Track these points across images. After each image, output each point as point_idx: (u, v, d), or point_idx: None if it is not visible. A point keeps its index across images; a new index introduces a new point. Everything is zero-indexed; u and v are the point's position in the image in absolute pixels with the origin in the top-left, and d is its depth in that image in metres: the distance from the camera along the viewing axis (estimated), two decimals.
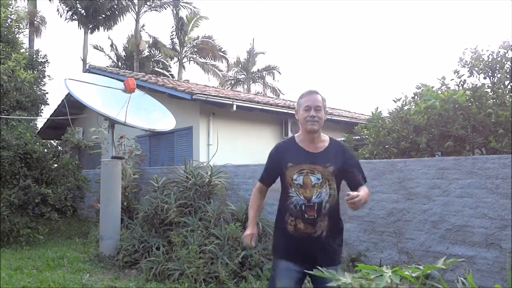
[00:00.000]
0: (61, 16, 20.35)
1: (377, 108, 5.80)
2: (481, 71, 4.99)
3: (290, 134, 9.25)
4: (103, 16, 20.30)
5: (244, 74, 28.15)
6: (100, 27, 20.59)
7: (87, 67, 14.04)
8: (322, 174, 2.35)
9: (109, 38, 25.22)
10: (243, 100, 8.98)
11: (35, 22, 19.80)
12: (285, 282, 2.38)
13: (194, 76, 64.33)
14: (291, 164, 2.39)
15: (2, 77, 8.12)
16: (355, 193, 2.21)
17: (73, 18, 20.13)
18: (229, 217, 5.50)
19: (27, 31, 16.74)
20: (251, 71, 28.01)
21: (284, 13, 58.26)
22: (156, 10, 22.13)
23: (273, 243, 2.59)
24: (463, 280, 1.80)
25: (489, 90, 4.84)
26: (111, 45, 24.43)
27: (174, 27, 23.42)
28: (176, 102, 8.85)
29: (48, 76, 10.69)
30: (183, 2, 22.51)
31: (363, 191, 2.34)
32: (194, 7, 22.61)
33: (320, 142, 2.45)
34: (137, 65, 21.50)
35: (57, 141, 10.22)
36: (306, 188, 2.34)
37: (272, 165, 2.53)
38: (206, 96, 8.27)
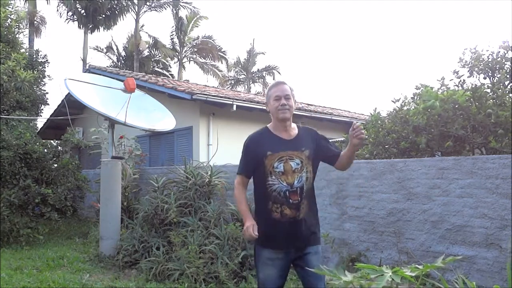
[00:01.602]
0: (60, 16, 20.37)
1: (376, 108, 5.81)
2: (481, 71, 4.99)
3: None
4: (103, 16, 20.30)
5: (244, 74, 28.17)
6: (100, 27, 20.58)
7: (87, 67, 14.05)
8: (300, 159, 2.45)
9: (112, 39, 25.14)
10: (243, 100, 8.99)
11: (35, 22, 19.81)
12: (270, 271, 2.44)
13: (194, 76, 64.42)
14: (270, 153, 2.45)
15: (2, 77, 8.12)
16: (357, 123, 2.40)
17: (73, 18, 20.14)
18: (229, 217, 5.50)
19: (27, 31, 16.75)
20: (251, 71, 28.02)
21: (284, 13, 58.30)
22: (156, 10, 22.14)
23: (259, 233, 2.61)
24: (464, 280, 1.80)
25: (489, 90, 4.85)
26: (111, 45, 24.43)
27: (174, 27, 23.44)
28: (176, 102, 8.85)
29: (48, 76, 10.68)
30: (182, 2, 22.53)
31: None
32: (194, 7, 22.65)
33: (292, 130, 2.56)
34: (137, 65, 21.50)
35: (57, 141, 10.21)
36: (288, 174, 2.41)
37: (250, 155, 2.56)
38: (206, 96, 8.28)
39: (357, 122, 2.48)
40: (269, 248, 2.47)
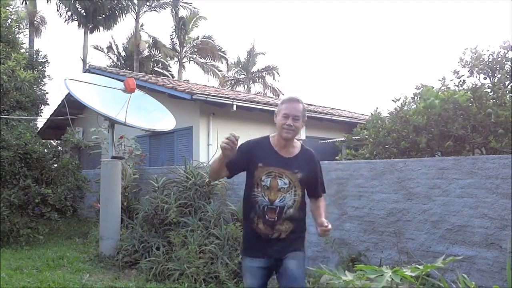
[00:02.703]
0: (60, 15, 20.37)
1: (377, 108, 5.81)
2: (481, 71, 5.00)
3: None
4: (103, 16, 20.30)
5: (244, 74, 28.18)
6: (100, 27, 20.58)
7: (87, 67, 14.04)
8: (290, 180, 2.39)
9: (112, 39, 25.13)
10: (243, 100, 8.99)
11: (35, 22, 19.82)
12: (250, 280, 2.44)
13: (194, 76, 64.42)
14: (261, 165, 2.40)
15: (2, 77, 8.12)
16: (326, 222, 2.36)
17: (73, 18, 20.13)
18: (229, 217, 5.50)
19: (27, 31, 16.74)
20: (251, 71, 28.02)
21: (284, 14, 58.31)
22: (156, 10, 22.16)
23: (242, 241, 2.64)
24: (464, 280, 1.80)
25: (489, 90, 4.85)
26: (111, 45, 24.43)
27: (174, 27, 23.43)
28: (176, 102, 8.85)
29: (48, 76, 10.70)
30: (182, 2, 22.54)
31: (323, 211, 2.52)
32: (194, 7, 22.66)
33: (292, 148, 2.48)
34: (137, 65, 21.51)
35: (57, 141, 10.21)
36: (272, 191, 2.38)
37: (241, 157, 2.43)
38: (206, 96, 8.27)
39: (325, 224, 2.36)
40: (248, 257, 2.48)
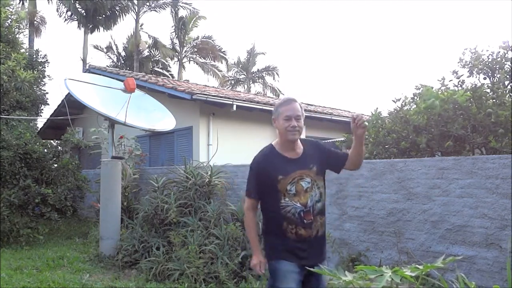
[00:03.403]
0: (60, 15, 20.36)
1: (377, 108, 5.81)
2: (480, 71, 5.00)
3: None
4: (103, 16, 20.30)
5: (244, 74, 28.18)
6: (100, 27, 20.58)
7: (87, 67, 14.04)
8: (310, 177, 2.42)
9: (112, 39, 25.17)
10: (243, 100, 8.98)
11: (35, 22, 19.80)
12: (290, 283, 2.35)
13: (194, 76, 64.42)
14: (282, 177, 2.40)
15: (2, 77, 8.13)
16: (355, 114, 2.38)
17: (73, 18, 20.13)
18: (229, 217, 5.50)
19: (27, 31, 16.74)
20: (251, 71, 28.02)
21: (284, 14, 58.30)
22: (156, 11, 22.15)
23: (269, 247, 2.51)
24: (464, 280, 1.80)
25: (488, 90, 4.85)
26: (111, 45, 24.43)
27: (174, 27, 23.43)
28: (176, 102, 8.85)
29: (48, 76, 10.70)
30: (182, 3, 22.54)
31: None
32: (193, 8, 22.66)
33: (298, 148, 2.50)
34: (137, 65, 21.50)
35: (57, 141, 10.22)
36: (300, 195, 2.38)
37: (259, 179, 2.49)
38: (206, 96, 8.27)
39: (354, 113, 2.44)
40: (287, 260, 2.40)
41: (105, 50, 24.19)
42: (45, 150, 8.04)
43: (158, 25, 55.06)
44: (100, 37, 78.29)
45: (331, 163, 2.55)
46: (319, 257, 2.44)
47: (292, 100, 2.48)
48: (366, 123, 2.42)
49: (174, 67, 25.30)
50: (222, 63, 25.89)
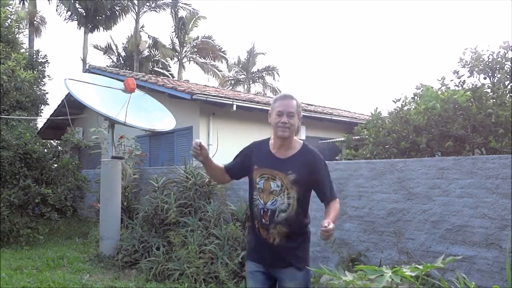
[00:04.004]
0: (60, 15, 20.37)
1: (377, 108, 5.82)
2: (481, 71, 5.00)
3: None
4: (103, 16, 20.30)
5: (244, 74, 28.18)
6: (100, 27, 20.59)
7: (87, 67, 14.04)
8: (282, 182, 2.27)
9: (112, 39, 25.16)
10: (243, 100, 8.99)
11: (35, 22, 19.81)
12: (251, 284, 2.39)
13: (194, 76, 64.42)
14: (256, 167, 2.35)
15: (2, 77, 8.12)
16: (327, 222, 2.06)
17: (73, 18, 20.13)
18: (229, 217, 5.50)
19: (27, 31, 16.74)
20: (251, 71, 28.02)
21: (284, 14, 58.31)
22: (156, 11, 22.16)
23: (247, 246, 2.63)
24: (464, 280, 1.80)
25: (489, 90, 4.85)
26: (111, 45, 24.42)
27: (174, 27, 23.43)
28: (176, 102, 8.85)
29: (48, 76, 10.70)
30: (182, 3, 22.55)
31: (332, 213, 2.24)
32: (193, 9, 22.67)
33: (289, 149, 2.35)
34: (137, 65, 21.50)
35: (57, 141, 10.22)
36: (265, 193, 2.31)
37: (241, 160, 2.48)
38: (206, 96, 8.28)
39: (325, 223, 2.07)
40: (251, 261, 2.43)
41: (105, 50, 24.20)
42: (45, 150, 8.04)
43: (158, 25, 55.10)
44: (100, 37, 78.38)
45: (314, 188, 2.37)
46: (279, 264, 2.30)
47: (288, 96, 2.39)
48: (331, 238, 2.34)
49: (174, 67, 25.33)
50: (222, 63, 25.90)
